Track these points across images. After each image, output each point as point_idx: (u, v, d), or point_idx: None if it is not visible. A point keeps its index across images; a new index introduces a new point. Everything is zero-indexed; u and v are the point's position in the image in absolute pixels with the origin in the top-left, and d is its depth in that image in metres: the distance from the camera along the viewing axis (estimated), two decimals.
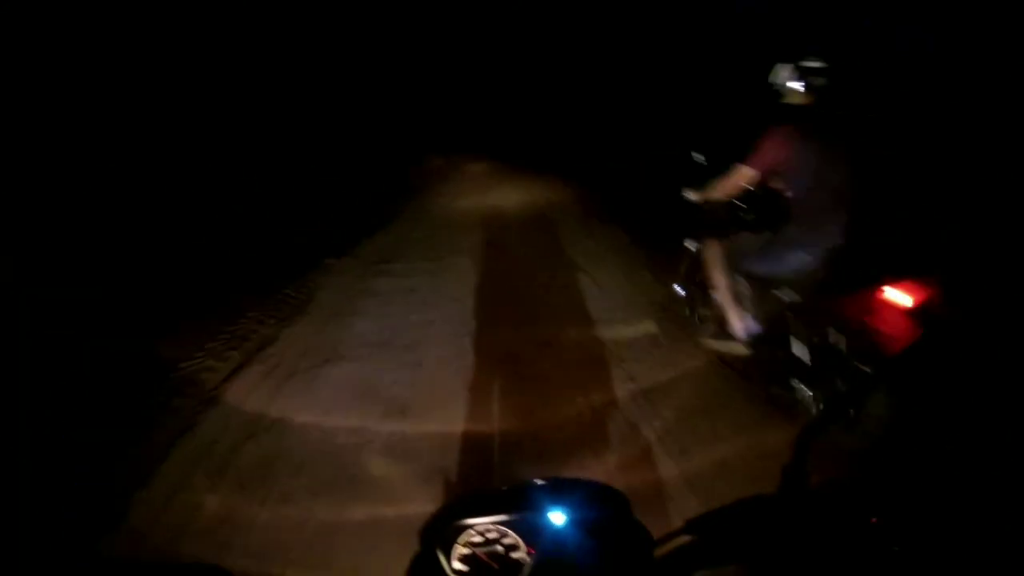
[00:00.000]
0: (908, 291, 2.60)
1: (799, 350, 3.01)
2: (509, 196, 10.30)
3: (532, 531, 1.01)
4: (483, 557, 1.02)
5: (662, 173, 5.81)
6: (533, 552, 1.00)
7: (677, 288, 4.34)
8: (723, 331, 3.65)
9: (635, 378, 3.70)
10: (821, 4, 9.58)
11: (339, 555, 2.41)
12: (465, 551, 1.02)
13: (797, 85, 3.11)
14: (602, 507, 1.03)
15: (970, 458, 2.26)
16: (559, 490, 1.07)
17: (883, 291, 2.64)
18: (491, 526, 1.03)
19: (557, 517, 1.01)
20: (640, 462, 2.90)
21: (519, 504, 1.05)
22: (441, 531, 1.04)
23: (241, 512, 2.65)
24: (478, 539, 1.02)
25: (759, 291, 3.40)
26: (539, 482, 1.09)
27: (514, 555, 1.01)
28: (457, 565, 1.02)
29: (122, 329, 4.34)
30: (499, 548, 1.02)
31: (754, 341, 3.45)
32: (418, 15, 17.17)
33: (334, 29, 13.46)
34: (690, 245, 4.07)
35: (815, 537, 0.84)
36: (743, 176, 3.17)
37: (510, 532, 1.02)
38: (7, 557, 1.83)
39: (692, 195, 3.63)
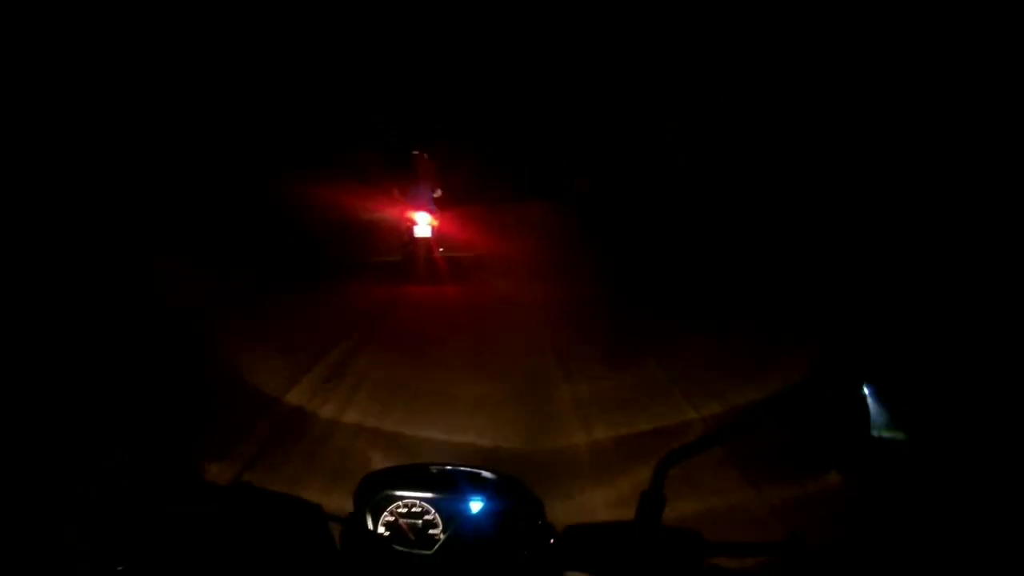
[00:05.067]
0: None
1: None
2: None
3: (451, 513, 1.14)
4: (404, 528, 1.15)
5: None
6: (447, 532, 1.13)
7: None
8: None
9: None
10: None
11: None
12: (391, 519, 1.16)
13: None
14: (517, 504, 1.15)
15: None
16: (483, 482, 1.19)
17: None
18: (418, 501, 1.16)
19: (475, 505, 1.14)
20: None
21: (447, 487, 1.18)
22: (374, 496, 1.17)
23: None
24: (404, 510, 1.16)
25: None
26: (468, 470, 1.21)
27: (431, 531, 1.14)
28: (381, 530, 1.15)
29: None
30: (419, 523, 1.15)
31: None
32: None
33: None
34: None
35: (657, 564, 0.94)
36: None
37: (432, 510, 1.15)
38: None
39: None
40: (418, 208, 7.35)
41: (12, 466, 2.42)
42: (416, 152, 7.73)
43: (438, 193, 7.73)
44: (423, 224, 7.27)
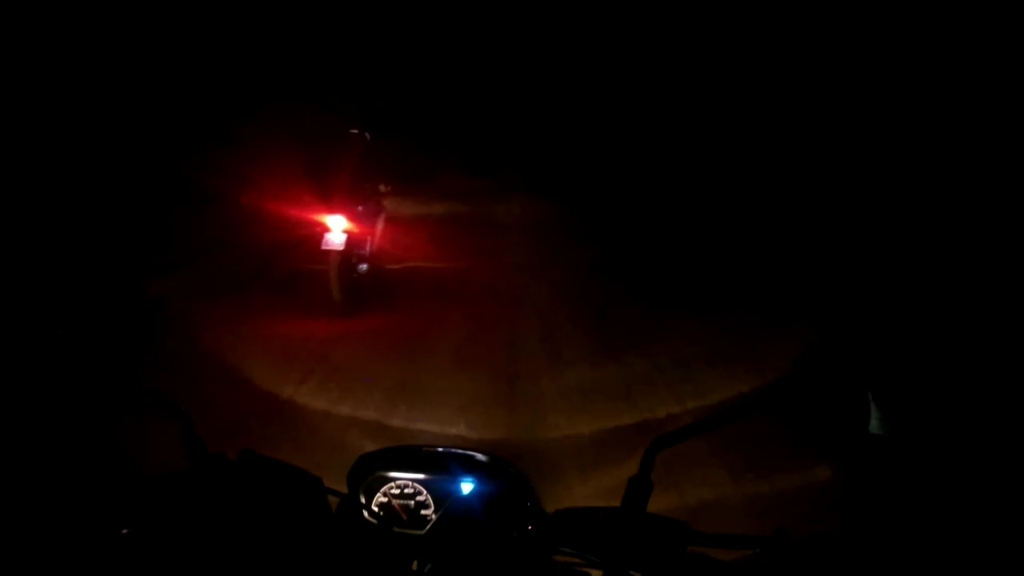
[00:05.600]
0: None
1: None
2: None
3: (442, 494, 1.17)
4: (397, 508, 1.18)
5: None
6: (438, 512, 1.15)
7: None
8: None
9: None
10: None
11: None
12: (383, 500, 1.19)
13: None
14: (508, 486, 1.18)
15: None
16: (474, 463, 1.22)
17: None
18: (410, 483, 1.19)
19: (466, 486, 1.16)
20: None
21: (438, 468, 1.20)
22: (367, 478, 1.19)
23: None
24: (396, 491, 1.18)
25: None
26: (459, 452, 1.24)
27: (423, 512, 1.17)
28: (375, 510, 1.18)
29: None
30: (411, 503, 1.18)
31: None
32: None
33: None
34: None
35: (642, 550, 0.96)
36: None
37: (424, 491, 1.18)
38: None
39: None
40: (334, 208, 5.15)
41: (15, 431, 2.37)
42: (354, 131, 5.62)
43: (384, 188, 5.88)
44: (336, 231, 5.11)
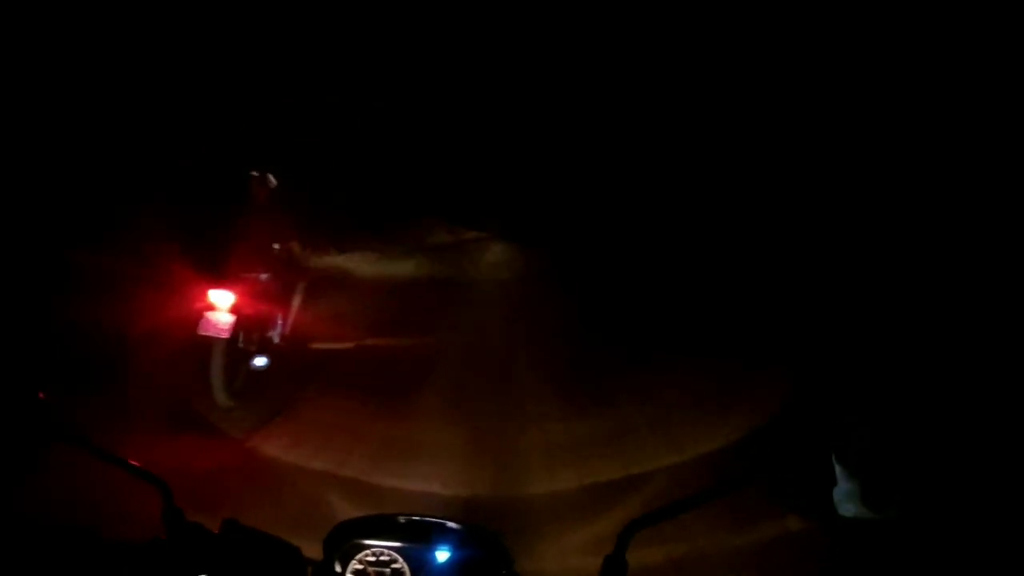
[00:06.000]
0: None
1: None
2: None
3: (419, 562, 1.18)
4: None
5: None
6: None
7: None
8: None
9: None
10: None
11: None
12: (359, 567, 1.20)
13: None
14: (484, 554, 1.19)
15: None
16: (450, 531, 1.23)
17: None
18: (386, 550, 1.20)
19: (442, 555, 1.18)
20: None
21: (414, 536, 1.22)
22: (343, 545, 1.21)
23: None
24: (372, 559, 1.20)
25: None
26: (436, 520, 1.25)
27: None
28: None
29: None
30: (387, 571, 1.19)
31: None
32: None
33: None
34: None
35: None
36: None
37: (400, 559, 1.19)
38: None
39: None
40: (219, 279, 3.86)
41: None
42: (255, 174, 4.31)
43: (300, 248, 4.63)
44: (222, 310, 3.76)
